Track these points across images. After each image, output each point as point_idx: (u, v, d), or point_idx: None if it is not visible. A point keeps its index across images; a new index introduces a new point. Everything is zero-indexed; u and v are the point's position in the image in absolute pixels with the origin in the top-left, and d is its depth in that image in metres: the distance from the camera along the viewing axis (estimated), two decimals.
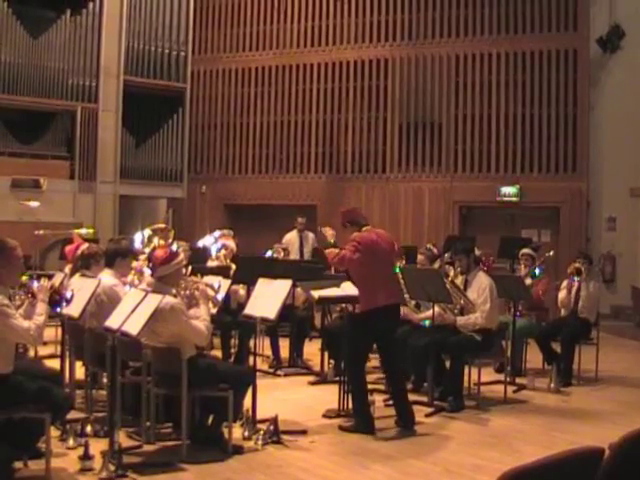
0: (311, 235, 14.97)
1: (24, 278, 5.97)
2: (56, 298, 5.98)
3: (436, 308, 8.59)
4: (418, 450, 6.93)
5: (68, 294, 6.26)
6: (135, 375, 6.83)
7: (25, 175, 15.64)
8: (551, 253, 11.60)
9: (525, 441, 7.26)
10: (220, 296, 7.40)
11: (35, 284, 5.90)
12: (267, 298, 7.27)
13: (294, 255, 14.28)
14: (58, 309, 6.34)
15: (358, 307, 7.66)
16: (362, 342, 7.63)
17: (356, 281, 7.64)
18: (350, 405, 7.80)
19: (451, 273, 9.16)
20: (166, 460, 6.26)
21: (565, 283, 10.44)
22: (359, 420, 7.44)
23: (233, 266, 10.12)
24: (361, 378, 7.64)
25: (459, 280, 8.91)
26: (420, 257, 10.35)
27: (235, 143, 18.74)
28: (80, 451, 6.05)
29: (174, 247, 7.68)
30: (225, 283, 7.76)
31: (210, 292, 7.01)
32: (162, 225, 9.08)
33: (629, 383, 10.17)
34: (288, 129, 18.27)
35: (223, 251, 10.70)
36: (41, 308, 5.77)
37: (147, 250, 7.94)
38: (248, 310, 7.43)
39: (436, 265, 10.11)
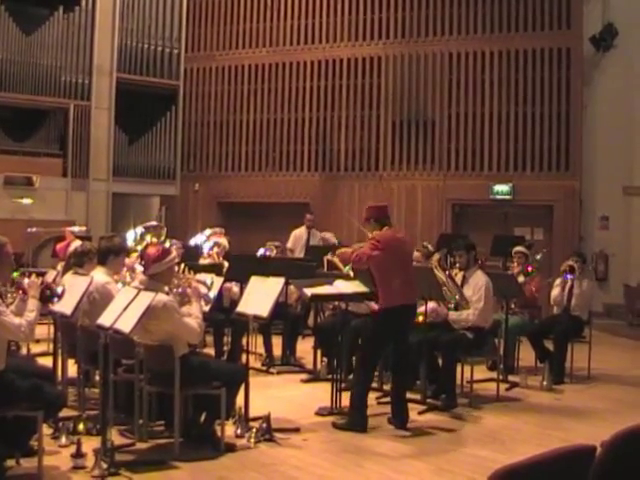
0: (319, 233, 15.02)
1: (15, 275, 5.96)
2: (47, 294, 5.96)
3: (431, 302, 8.60)
4: (411, 448, 6.94)
5: (59, 289, 6.24)
6: (128, 373, 6.83)
7: (18, 172, 15.62)
8: (538, 257, 11.51)
9: (517, 439, 7.27)
10: (212, 294, 7.41)
11: (26, 280, 5.89)
12: (260, 296, 7.26)
13: (300, 251, 14.29)
14: (50, 305, 6.33)
15: (379, 304, 7.65)
16: (380, 341, 7.61)
17: (377, 279, 7.64)
18: (343, 403, 7.81)
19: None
20: (159, 458, 6.26)
21: (558, 281, 10.45)
22: (354, 417, 7.42)
23: (226, 264, 10.12)
24: (370, 378, 7.68)
25: (458, 276, 8.90)
26: (416, 254, 10.34)
27: (228, 141, 18.73)
28: (72, 449, 6.04)
29: (167, 245, 7.67)
30: (217, 281, 7.76)
31: (202, 289, 7.01)
32: (154, 223, 9.08)
33: (621, 381, 10.19)
34: (281, 127, 18.26)
35: (215, 249, 10.69)
36: (32, 304, 5.75)
37: (139, 248, 7.94)
38: (241, 308, 7.43)
39: (435, 258, 10.04)
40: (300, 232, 14.79)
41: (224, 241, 11.02)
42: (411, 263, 8.03)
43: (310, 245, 14.29)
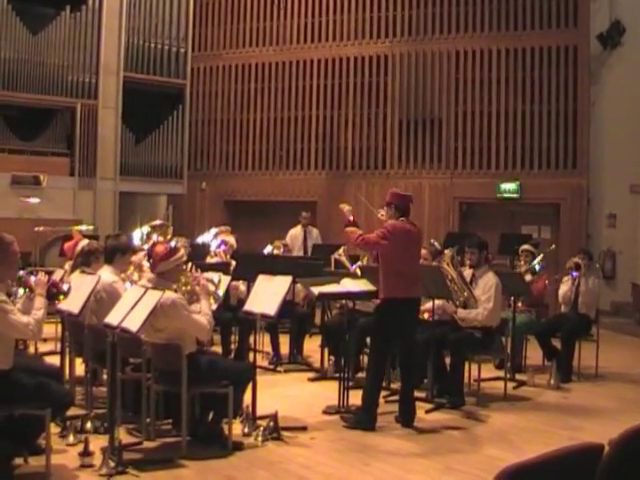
0: (315, 230, 15.04)
1: (21, 273, 5.97)
2: (53, 292, 5.97)
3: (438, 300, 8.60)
4: (418, 447, 6.94)
5: (65, 287, 6.25)
6: (135, 372, 6.84)
7: (25, 172, 15.62)
8: (553, 247, 11.60)
9: (525, 437, 7.27)
10: (220, 292, 7.42)
11: (32, 278, 5.90)
12: (267, 294, 7.27)
13: (297, 250, 14.33)
14: (56, 304, 6.33)
15: (380, 296, 7.63)
16: (384, 335, 7.58)
17: (381, 269, 7.62)
18: (350, 401, 7.81)
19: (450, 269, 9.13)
20: (166, 456, 6.27)
21: (565, 278, 10.44)
22: (363, 416, 7.42)
23: (233, 262, 10.13)
24: (381, 375, 7.67)
25: (467, 273, 8.88)
26: (423, 252, 10.32)
27: (235, 139, 18.74)
28: (80, 447, 6.06)
29: (173, 243, 7.68)
30: (225, 279, 7.77)
31: (211, 287, 7.02)
32: (159, 221, 9.09)
33: (629, 379, 10.17)
34: (288, 125, 18.26)
35: (223, 247, 10.69)
36: (39, 302, 5.76)
37: (146, 246, 7.95)
38: (248, 306, 7.44)
39: (449, 254, 9.99)
40: (296, 231, 14.84)
41: (232, 239, 11.02)
42: (418, 257, 7.97)
43: (314, 244, 14.33)
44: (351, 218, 7.80)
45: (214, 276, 7.30)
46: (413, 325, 7.72)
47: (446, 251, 9.21)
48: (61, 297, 6.20)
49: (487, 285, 8.65)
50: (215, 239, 10.98)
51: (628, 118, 15.72)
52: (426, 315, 8.83)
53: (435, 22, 17.02)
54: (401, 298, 7.44)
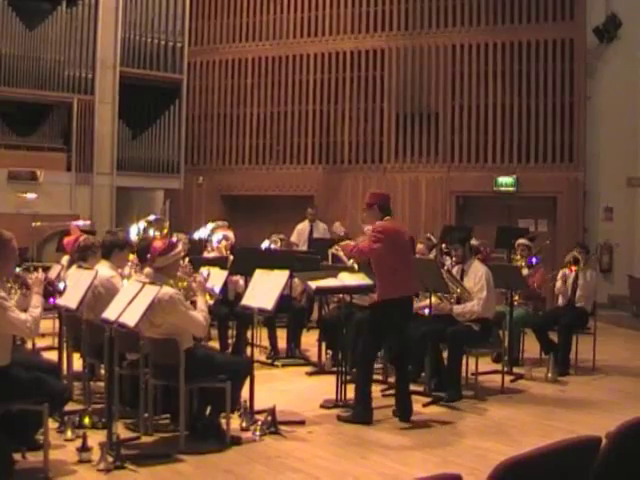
0: (322, 225, 15.04)
1: (18, 270, 5.96)
2: (49, 290, 5.97)
3: (432, 298, 8.60)
4: (416, 440, 6.95)
5: (61, 285, 6.24)
6: (133, 366, 6.84)
7: (22, 167, 15.60)
8: (547, 242, 11.62)
9: (523, 431, 7.28)
10: (217, 288, 7.42)
11: (30, 276, 5.90)
12: (264, 289, 7.28)
13: (303, 244, 14.37)
14: (52, 301, 6.33)
15: (376, 296, 7.66)
16: (378, 333, 7.62)
17: (376, 271, 7.63)
18: (348, 396, 7.82)
19: (447, 263, 9.16)
20: (164, 451, 6.28)
21: (562, 273, 10.45)
22: (359, 410, 7.44)
23: (231, 257, 10.13)
24: (370, 370, 7.67)
25: (455, 270, 8.89)
26: (420, 246, 10.35)
27: (232, 134, 18.72)
28: (78, 443, 6.07)
29: (174, 238, 7.69)
30: (219, 273, 7.77)
31: (208, 284, 7.02)
32: (153, 216, 9.08)
33: (626, 372, 10.19)
34: (285, 120, 18.24)
35: (224, 242, 10.69)
36: (36, 300, 5.77)
37: (140, 241, 7.94)
38: (245, 301, 7.44)
39: (431, 255, 10.10)
40: (303, 226, 14.87)
41: (231, 234, 11.02)
42: (410, 254, 7.99)
43: (313, 238, 14.34)
44: (342, 233, 7.88)
45: (203, 270, 7.29)
46: (407, 322, 7.74)
47: (431, 253, 9.25)
48: (56, 296, 6.21)
49: (477, 276, 8.68)
50: (213, 234, 10.96)
51: (624, 111, 15.72)
52: (426, 311, 8.81)
53: (431, 16, 17.00)
54: (398, 297, 7.45)
